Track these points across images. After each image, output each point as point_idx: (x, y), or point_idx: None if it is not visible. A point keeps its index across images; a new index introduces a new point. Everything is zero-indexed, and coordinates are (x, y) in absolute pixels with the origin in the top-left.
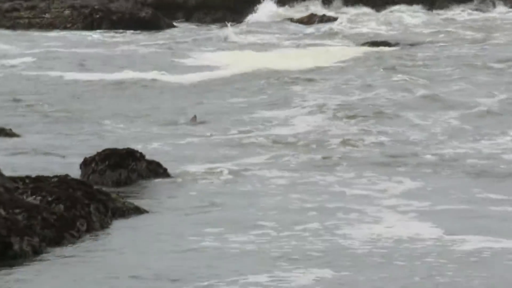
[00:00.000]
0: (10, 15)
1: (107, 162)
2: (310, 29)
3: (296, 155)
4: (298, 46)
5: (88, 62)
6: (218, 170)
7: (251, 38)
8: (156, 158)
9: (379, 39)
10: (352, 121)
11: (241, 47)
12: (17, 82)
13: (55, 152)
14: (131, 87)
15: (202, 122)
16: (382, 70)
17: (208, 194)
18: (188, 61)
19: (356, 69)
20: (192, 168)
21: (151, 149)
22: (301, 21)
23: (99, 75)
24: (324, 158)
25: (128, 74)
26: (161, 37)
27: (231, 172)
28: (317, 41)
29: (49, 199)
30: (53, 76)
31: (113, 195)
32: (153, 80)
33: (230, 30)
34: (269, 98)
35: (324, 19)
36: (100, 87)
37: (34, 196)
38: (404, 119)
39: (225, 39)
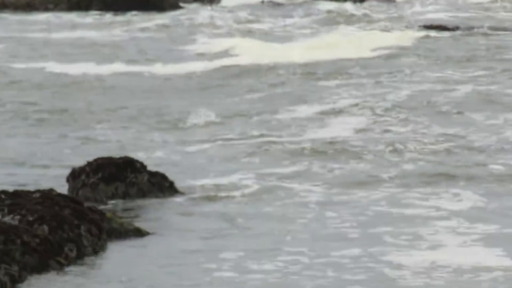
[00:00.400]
0: None
1: (100, 174)
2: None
3: (332, 165)
4: (328, 31)
5: (75, 52)
6: (237, 183)
7: (267, 21)
8: (160, 169)
9: (434, 22)
10: (401, 123)
11: (256, 32)
12: None
13: (37, 162)
14: (127, 82)
15: (214, 124)
16: (436, 60)
17: (224, 213)
18: (193, 48)
19: (403, 59)
20: (205, 181)
21: (154, 158)
22: None
23: (88, 67)
24: (366, 168)
25: (122, 66)
26: (163, 19)
27: (253, 185)
28: (355, 26)
29: (31, 218)
30: (32, 68)
31: (108, 214)
32: (152, 73)
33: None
34: (295, 94)
35: None
36: (89, 82)
37: (12, 216)
38: (465, 121)
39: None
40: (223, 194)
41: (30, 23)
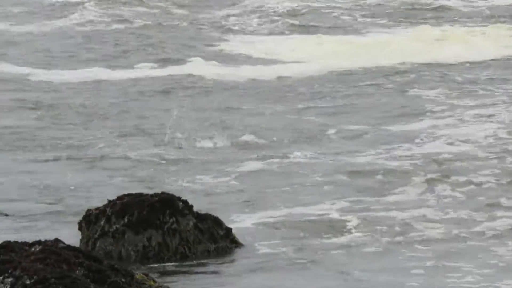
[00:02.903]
0: None
1: (127, 218)
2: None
3: (444, 194)
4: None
5: (56, 47)
6: (332, 221)
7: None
8: (208, 206)
9: None
10: None
11: (307, 29)
12: None
13: (31, 196)
14: (141, 87)
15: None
16: None
17: (332, 271)
18: (227, 48)
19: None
20: (276, 216)
21: (196, 192)
22: None
23: (76, 71)
24: (489, 206)
25: (135, 71)
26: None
27: (359, 225)
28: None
29: (28, 282)
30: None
31: (138, 276)
32: (162, 77)
33: None
34: (381, 105)
35: None
36: (82, 87)
37: (1, 278)
38: None
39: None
40: (316, 237)
41: None
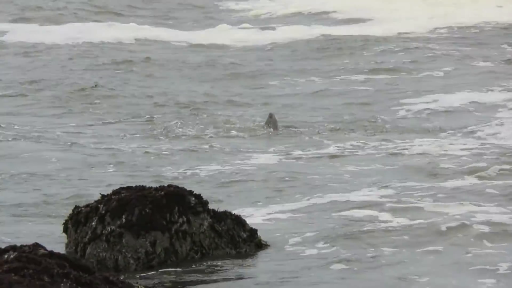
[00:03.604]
0: None
1: (124, 218)
2: None
3: None
4: None
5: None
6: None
7: None
8: (226, 201)
9: None
10: None
11: None
12: None
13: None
14: (142, 60)
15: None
16: None
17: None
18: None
19: None
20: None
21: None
22: None
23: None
24: None
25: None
26: None
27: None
28: None
29: None
30: None
31: None
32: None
33: None
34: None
35: None
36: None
37: None
38: None
39: None
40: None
41: None
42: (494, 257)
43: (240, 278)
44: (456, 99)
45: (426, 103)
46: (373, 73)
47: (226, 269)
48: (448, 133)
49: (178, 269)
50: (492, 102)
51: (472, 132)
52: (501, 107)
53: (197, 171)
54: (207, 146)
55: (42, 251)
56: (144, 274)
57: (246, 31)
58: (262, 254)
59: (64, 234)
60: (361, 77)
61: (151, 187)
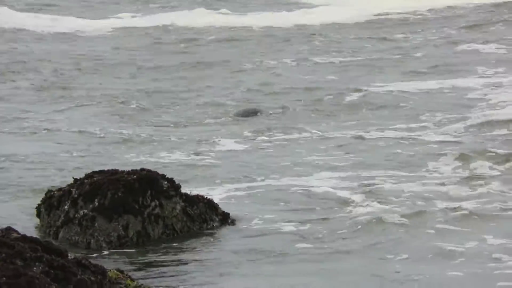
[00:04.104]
0: None
1: (97, 202)
2: None
3: None
4: None
5: None
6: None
7: None
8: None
9: None
10: None
11: None
12: None
13: None
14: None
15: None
16: None
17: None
18: None
19: None
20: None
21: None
22: None
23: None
24: None
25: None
26: None
27: None
28: None
29: None
30: None
31: (112, 273)
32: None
33: None
34: None
35: None
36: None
37: None
38: None
39: None
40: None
41: None
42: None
43: (209, 258)
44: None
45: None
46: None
47: (200, 251)
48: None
49: (150, 252)
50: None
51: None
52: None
53: (163, 157)
54: (174, 134)
55: (14, 234)
56: (115, 259)
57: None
58: (229, 232)
59: (37, 218)
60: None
61: (124, 171)
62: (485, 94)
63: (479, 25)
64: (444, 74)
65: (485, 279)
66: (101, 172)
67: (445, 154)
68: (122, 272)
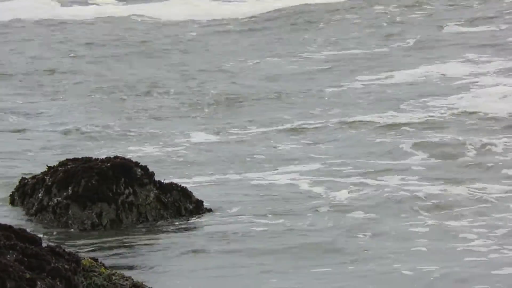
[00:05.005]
0: None
1: (70, 189)
2: None
3: None
4: None
5: None
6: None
7: None
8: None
9: None
10: None
11: None
12: None
13: None
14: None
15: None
16: None
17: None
18: None
19: None
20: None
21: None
22: None
23: None
24: None
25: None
26: None
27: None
28: None
29: None
30: None
31: (85, 261)
32: None
33: None
34: None
35: None
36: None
37: None
38: None
39: None
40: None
41: None
42: None
43: (178, 241)
44: None
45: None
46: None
47: (173, 239)
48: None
49: (124, 239)
50: None
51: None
52: None
53: (135, 150)
54: (142, 127)
55: None
56: (89, 247)
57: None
58: (209, 222)
59: (10, 206)
60: None
61: (97, 158)
62: None
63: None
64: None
65: None
66: (74, 159)
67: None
68: (96, 260)
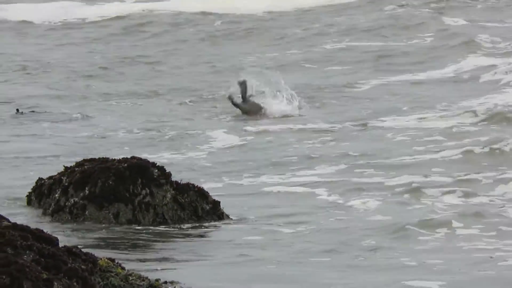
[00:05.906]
0: None
1: (87, 190)
2: None
3: None
4: None
5: None
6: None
7: None
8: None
9: None
10: None
11: None
12: None
13: None
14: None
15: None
16: None
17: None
18: None
19: None
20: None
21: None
22: None
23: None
24: None
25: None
26: None
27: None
28: None
29: None
30: None
31: (102, 261)
32: None
33: None
34: None
35: None
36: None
37: None
38: None
39: None
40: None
41: None
42: None
43: (195, 243)
44: None
45: None
46: None
47: (190, 241)
48: None
49: (142, 240)
50: None
51: None
52: None
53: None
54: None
55: (5, 223)
56: (107, 249)
57: None
58: (226, 226)
59: (28, 207)
60: None
61: (114, 159)
62: None
63: None
64: None
65: None
66: (91, 160)
67: None
68: (113, 260)
